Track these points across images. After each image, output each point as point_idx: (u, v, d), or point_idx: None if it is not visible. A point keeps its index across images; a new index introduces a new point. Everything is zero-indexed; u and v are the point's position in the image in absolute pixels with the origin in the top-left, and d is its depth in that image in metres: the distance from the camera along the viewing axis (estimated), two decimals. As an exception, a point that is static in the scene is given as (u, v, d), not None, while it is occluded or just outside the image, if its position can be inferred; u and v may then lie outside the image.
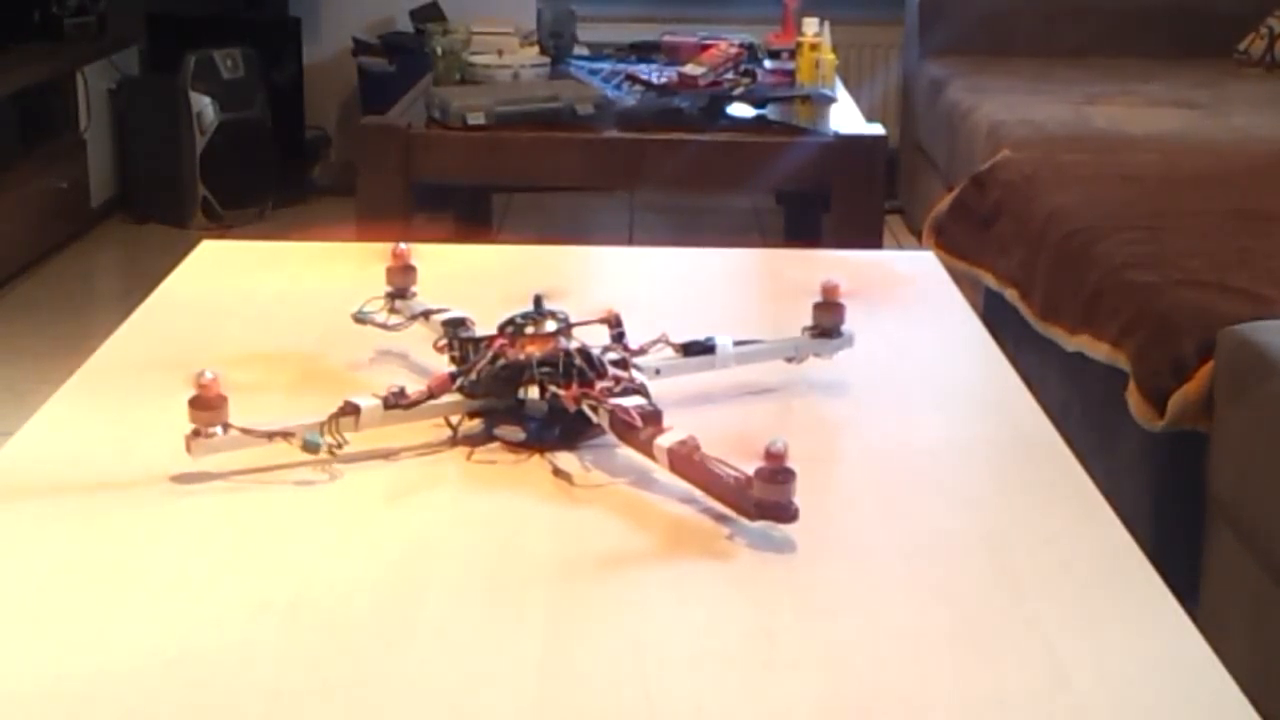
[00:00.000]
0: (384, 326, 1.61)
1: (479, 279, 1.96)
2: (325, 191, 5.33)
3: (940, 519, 1.28)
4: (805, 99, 3.64)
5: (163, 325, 1.75)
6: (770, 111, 3.52)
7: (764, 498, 1.22)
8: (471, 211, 4.63)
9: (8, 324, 4.17)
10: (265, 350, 1.65)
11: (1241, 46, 4.82)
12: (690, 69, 3.61)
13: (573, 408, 1.37)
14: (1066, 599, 1.16)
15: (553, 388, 1.38)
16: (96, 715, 1.00)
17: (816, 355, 1.58)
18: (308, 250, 2.05)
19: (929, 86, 4.78)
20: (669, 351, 1.49)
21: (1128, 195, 2.95)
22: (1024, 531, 1.27)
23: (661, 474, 1.32)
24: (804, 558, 1.22)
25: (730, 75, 3.63)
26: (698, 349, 1.50)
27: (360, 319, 1.62)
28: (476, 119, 3.32)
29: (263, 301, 1.83)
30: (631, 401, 1.35)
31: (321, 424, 1.33)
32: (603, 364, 1.40)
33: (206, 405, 1.30)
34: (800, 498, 1.26)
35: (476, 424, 1.42)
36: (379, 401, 1.36)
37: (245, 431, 1.31)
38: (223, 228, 4.94)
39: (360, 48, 5.35)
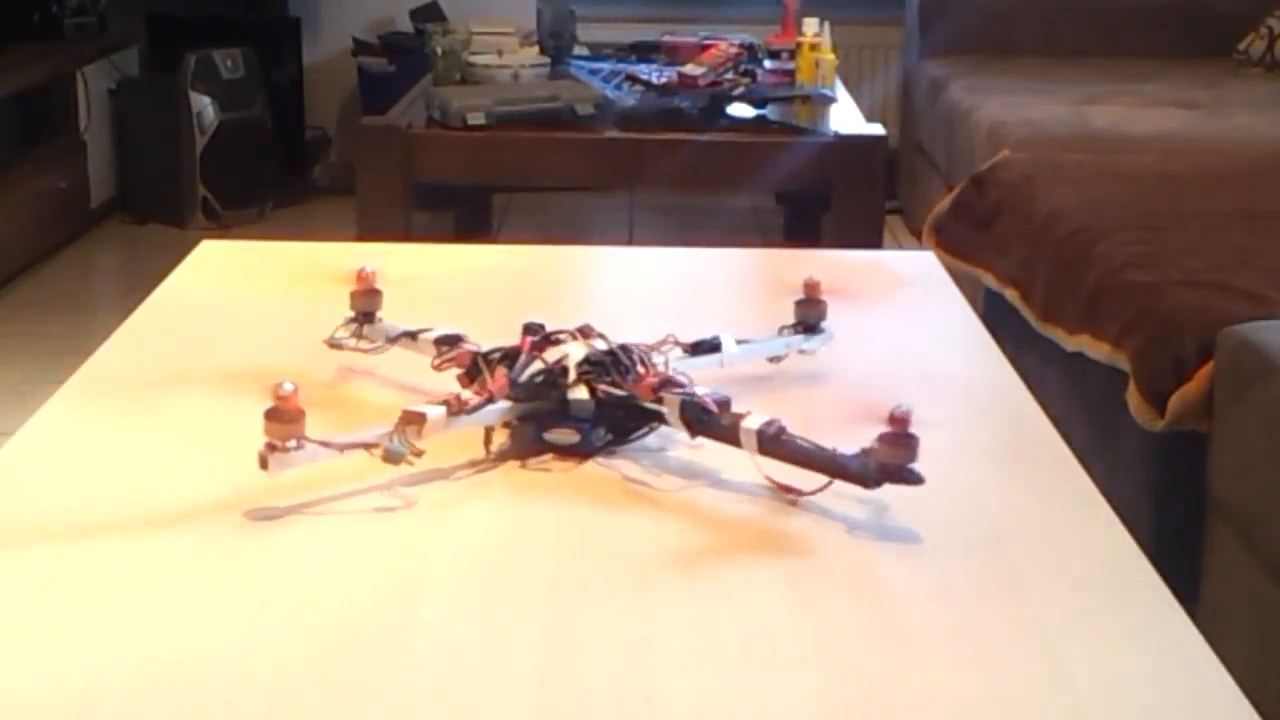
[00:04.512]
0: (363, 351, 1.57)
1: (470, 283, 1.96)
2: (325, 191, 5.33)
3: (940, 519, 1.28)
4: (805, 99, 3.64)
5: (163, 325, 1.75)
6: (770, 111, 3.52)
7: (889, 462, 1.23)
8: (471, 211, 4.63)
9: (8, 324, 4.17)
10: (265, 353, 1.65)
11: (1241, 46, 4.82)
12: (690, 69, 3.61)
13: (648, 398, 1.35)
14: (1066, 599, 1.16)
15: (606, 386, 1.37)
16: (96, 715, 1.00)
17: (801, 351, 1.58)
18: (308, 250, 2.05)
19: (929, 86, 4.78)
20: (677, 351, 1.48)
21: (1128, 195, 2.95)
22: (1024, 531, 1.27)
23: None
24: (804, 557, 1.22)
25: (730, 75, 3.63)
26: (705, 347, 1.50)
27: (335, 344, 1.58)
28: (476, 119, 3.32)
29: (263, 302, 1.82)
30: (701, 391, 1.34)
31: (390, 433, 1.29)
32: (645, 358, 1.40)
33: (284, 418, 1.24)
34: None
35: (505, 432, 1.39)
36: (442, 409, 1.32)
37: (324, 444, 1.26)
38: (223, 228, 4.94)
39: (360, 48, 5.35)
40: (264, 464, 1.24)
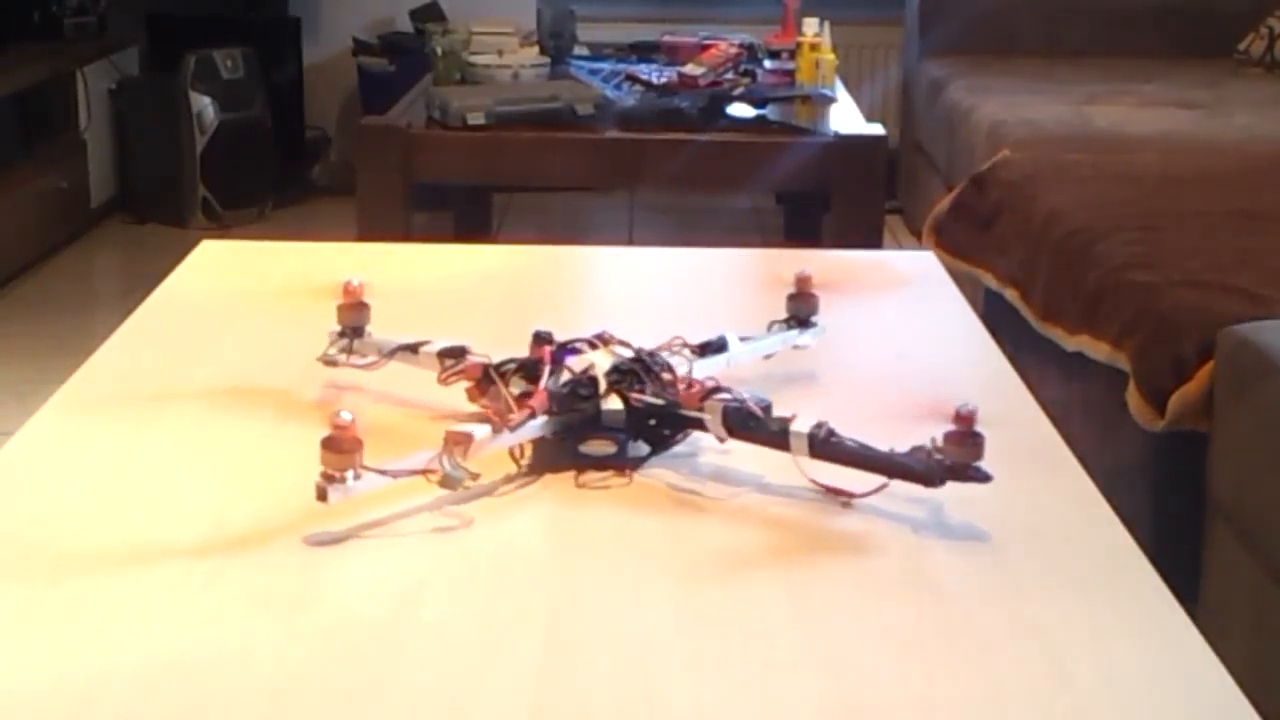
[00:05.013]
0: (360, 367, 1.51)
1: (469, 285, 1.96)
2: (325, 191, 5.33)
3: (939, 518, 1.28)
4: (805, 99, 3.64)
5: (163, 325, 1.75)
6: (770, 111, 3.52)
7: (957, 460, 1.23)
8: (471, 211, 4.63)
9: (8, 324, 4.17)
10: (261, 364, 1.65)
11: (1241, 46, 4.82)
12: (690, 69, 3.61)
13: (693, 405, 1.33)
14: (1066, 599, 1.16)
15: (640, 395, 1.34)
16: (96, 715, 1.00)
17: (796, 347, 1.58)
18: (307, 251, 2.05)
19: (929, 86, 4.78)
20: (686, 353, 1.47)
21: (1128, 195, 2.95)
22: (1024, 531, 1.27)
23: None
24: (804, 558, 1.22)
25: (730, 75, 3.63)
26: (712, 348, 1.49)
27: (329, 362, 1.52)
28: (476, 119, 3.32)
29: (261, 307, 1.82)
30: (739, 396, 1.33)
31: (438, 456, 1.25)
32: (670, 366, 1.38)
33: (341, 448, 1.20)
34: (797, 499, 1.26)
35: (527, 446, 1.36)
36: (488, 428, 1.28)
37: (381, 473, 1.22)
38: (223, 228, 4.94)
39: (360, 48, 5.35)
40: (323, 496, 1.20)
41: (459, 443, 1.25)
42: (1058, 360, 2.66)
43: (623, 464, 1.35)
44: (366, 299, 1.54)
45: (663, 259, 2.12)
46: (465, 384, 1.42)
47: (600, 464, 1.34)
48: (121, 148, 5.13)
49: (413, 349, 1.48)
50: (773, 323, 1.58)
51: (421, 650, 1.07)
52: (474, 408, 1.41)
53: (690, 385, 1.36)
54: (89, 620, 1.10)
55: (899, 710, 1.01)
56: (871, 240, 3.29)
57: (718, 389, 1.35)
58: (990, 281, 3.03)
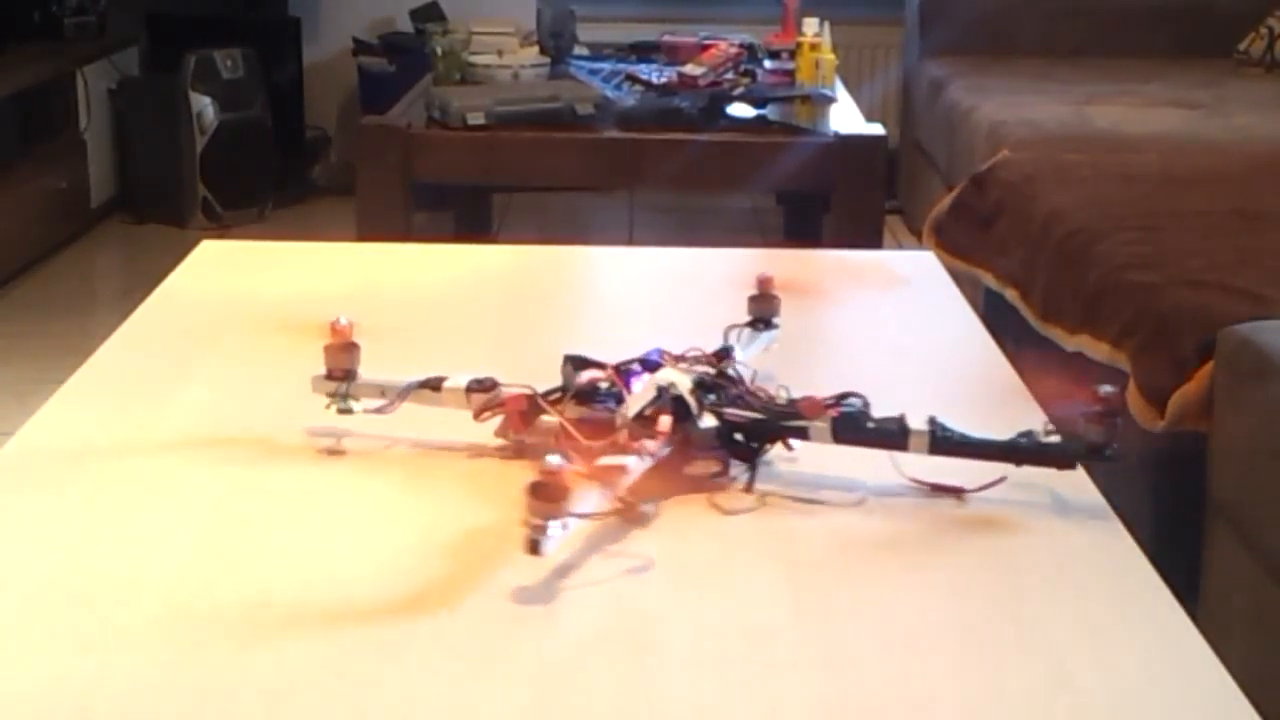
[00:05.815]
0: (374, 413, 1.40)
1: (467, 286, 1.96)
2: (325, 191, 5.33)
3: (939, 518, 1.28)
4: (805, 99, 3.64)
5: (162, 325, 1.75)
6: (770, 111, 3.52)
7: (1096, 440, 1.29)
8: (471, 211, 4.63)
9: (8, 324, 4.17)
10: (267, 356, 1.65)
11: (1241, 46, 4.82)
12: (690, 69, 3.61)
13: (816, 415, 1.32)
14: (1066, 599, 1.16)
15: (739, 410, 1.33)
16: (97, 715, 1.00)
17: (766, 349, 1.57)
18: (307, 251, 2.05)
19: (929, 86, 4.78)
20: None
21: (1128, 195, 2.95)
22: (1024, 531, 1.27)
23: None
24: (804, 557, 1.22)
25: (730, 75, 3.63)
26: (722, 354, 1.47)
27: (343, 410, 1.41)
28: (476, 119, 3.32)
29: (262, 308, 1.82)
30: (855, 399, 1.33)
31: (611, 494, 1.22)
32: (742, 377, 1.38)
33: (553, 496, 1.13)
34: (797, 499, 1.26)
35: None
36: (635, 458, 1.26)
37: (584, 517, 1.18)
38: (223, 228, 4.93)
39: (360, 48, 5.35)
40: (534, 549, 1.13)
41: (617, 476, 1.24)
42: (1058, 360, 2.66)
43: (724, 482, 1.32)
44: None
45: (662, 259, 2.12)
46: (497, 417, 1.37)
47: (704, 485, 1.32)
48: (121, 148, 5.13)
49: (434, 386, 1.39)
50: (729, 327, 1.53)
51: (421, 652, 1.08)
52: (500, 441, 1.38)
53: (766, 394, 1.35)
54: (90, 617, 1.10)
55: (899, 710, 1.02)
56: (871, 240, 3.30)
57: (848, 396, 1.34)
58: (990, 281, 3.03)
